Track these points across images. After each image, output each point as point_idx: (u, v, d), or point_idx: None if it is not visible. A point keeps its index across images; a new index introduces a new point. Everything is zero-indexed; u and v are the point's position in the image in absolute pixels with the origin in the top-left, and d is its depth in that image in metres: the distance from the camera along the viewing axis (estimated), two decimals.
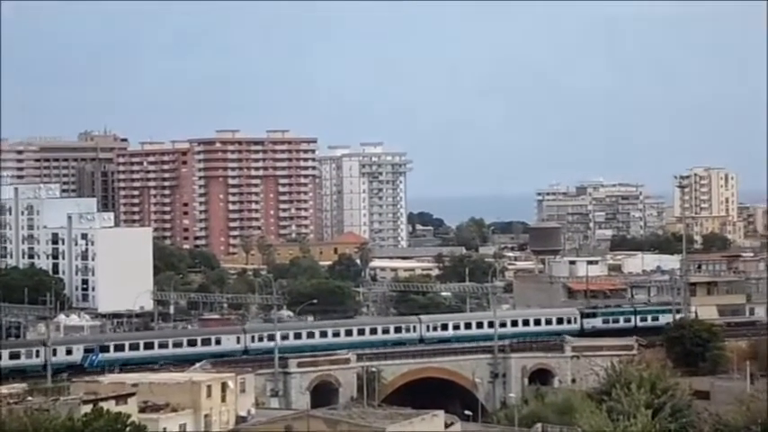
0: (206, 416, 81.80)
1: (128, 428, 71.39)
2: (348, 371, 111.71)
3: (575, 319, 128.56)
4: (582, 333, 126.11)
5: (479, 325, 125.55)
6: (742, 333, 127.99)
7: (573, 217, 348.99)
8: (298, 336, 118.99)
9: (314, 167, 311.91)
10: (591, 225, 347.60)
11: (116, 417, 71.64)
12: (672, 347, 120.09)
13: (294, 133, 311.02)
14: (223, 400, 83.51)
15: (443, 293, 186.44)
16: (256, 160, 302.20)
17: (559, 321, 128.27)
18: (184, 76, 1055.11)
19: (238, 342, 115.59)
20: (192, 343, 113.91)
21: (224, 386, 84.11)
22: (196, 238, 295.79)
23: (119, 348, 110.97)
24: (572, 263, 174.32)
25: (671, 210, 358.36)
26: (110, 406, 74.48)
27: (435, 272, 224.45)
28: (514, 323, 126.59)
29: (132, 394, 78.72)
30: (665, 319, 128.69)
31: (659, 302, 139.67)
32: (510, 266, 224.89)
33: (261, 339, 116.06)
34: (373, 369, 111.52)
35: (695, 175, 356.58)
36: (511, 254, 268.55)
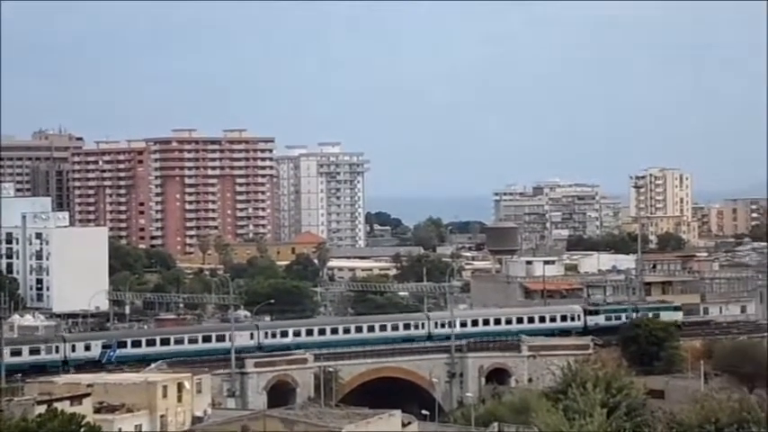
0: (162, 416, 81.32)
1: (82, 429, 70.82)
2: (305, 371, 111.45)
3: (578, 316, 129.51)
4: (585, 330, 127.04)
5: (486, 322, 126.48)
6: (696, 332, 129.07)
7: (530, 217, 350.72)
8: (309, 332, 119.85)
9: (271, 167, 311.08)
10: (547, 225, 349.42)
11: (71, 417, 71.05)
12: (627, 347, 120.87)
13: (251, 133, 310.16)
14: (179, 400, 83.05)
15: (401, 293, 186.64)
16: (213, 160, 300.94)
17: (563, 319, 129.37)
18: (142, 76, 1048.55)
19: (252, 338, 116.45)
20: (206, 339, 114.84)
21: (180, 386, 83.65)
22: (152, 237, 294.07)
23: (136, 344, 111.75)
24: (529, 263, 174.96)
25: (627, 210, 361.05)
26: (64, 407, 73.84)
27: (393, 272, 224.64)
28: (520, 320, 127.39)
29: (87, 395, 78.09)
30: (665, 316, 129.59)
31: (659, 300, 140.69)
32: (467, 266, 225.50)
33: (274, 336, 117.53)
34: (330, 369, 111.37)
35: (650, 175, 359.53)
36: (468, 254, 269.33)
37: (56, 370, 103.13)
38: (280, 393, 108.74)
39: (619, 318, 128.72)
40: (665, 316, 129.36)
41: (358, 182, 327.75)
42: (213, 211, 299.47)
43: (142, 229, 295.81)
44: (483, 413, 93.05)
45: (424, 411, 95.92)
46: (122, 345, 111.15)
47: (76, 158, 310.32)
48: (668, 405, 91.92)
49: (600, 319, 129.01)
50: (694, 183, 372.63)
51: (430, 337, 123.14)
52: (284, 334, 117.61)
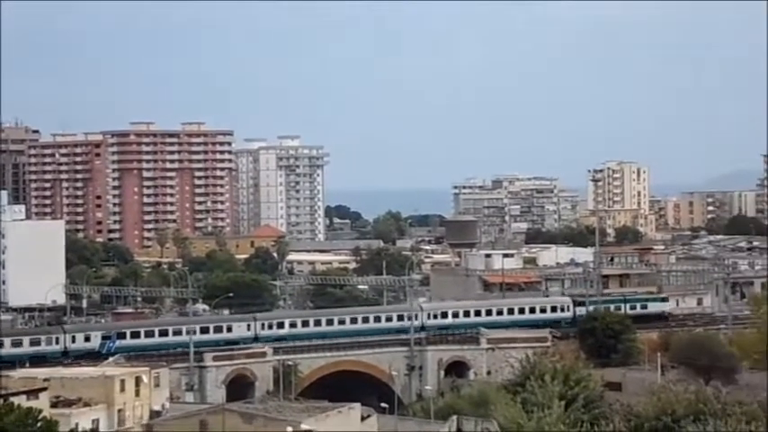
0: (119, 411, 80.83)
1: (39, 424, 70.21)
2: (264, 364, 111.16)
3: (568, 307, 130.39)
4: (574, 321, 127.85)
5: (477, 313, 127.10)
6: (653, 325, 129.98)
7: (489, 210, 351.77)
8: (305, 323, 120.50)
9: (230, 160, 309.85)
10: (506, 218, 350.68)
11: (27, 412, 70.42)
12: (585, 339, 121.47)
13: (210, 126, 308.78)
14: (137, 394, 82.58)
15: (360, 287, 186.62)
16: (171, 153, 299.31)
17: (553, 309, 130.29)
18: (100, 69, 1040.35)
19: (249, 329, 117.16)
20: (204, 330, 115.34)
21: (138, 380, 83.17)
22: (110, 231, 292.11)
23: (135, 335, 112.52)
24: (488, 256, 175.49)
25: (585, 203, 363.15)
26: (21, 401, 73.15)
27: (353, 265, 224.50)
28: (510, 311, 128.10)
29: (44, 389, 77.45)
30: (653, 307, 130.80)
31: (647, 291, 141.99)
32: (427, 259, 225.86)
33: (271, 327, 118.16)
34: (290, 362, 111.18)
35: (608, 169, 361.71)
36: (428, 247, 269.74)
37: (56, 361, 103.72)
38: (238, 387, 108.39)
39: (608, 309, 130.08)
40: (653, 307, 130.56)
41: (317, 175, 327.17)
42: (171, 204, 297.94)
43: (99, 223, 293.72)
44: (442, 406, 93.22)
45: (383, 404, 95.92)
46: (122, 336, 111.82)
47: (33, 151, 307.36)
48: (625, 397, 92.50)
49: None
50: (651, 176, 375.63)
51: (423, 328, 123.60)
52: (281, 325, 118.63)
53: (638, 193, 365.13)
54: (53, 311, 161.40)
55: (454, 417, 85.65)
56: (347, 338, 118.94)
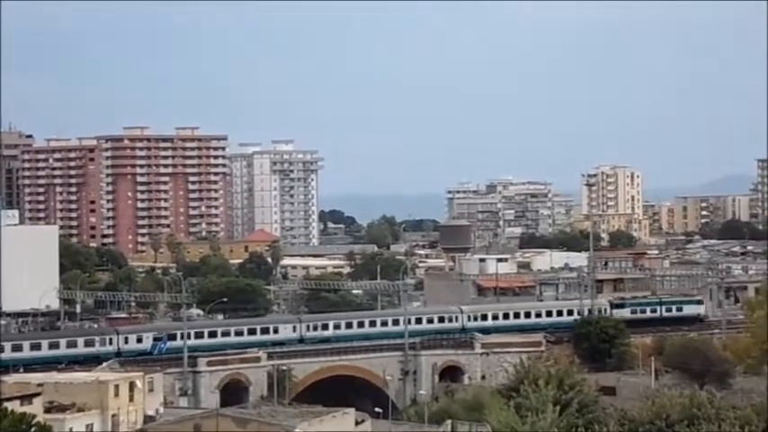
0: (113, 416, 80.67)
1: (33, 429, 70.06)
2: (258, 369, 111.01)
3: (605, 309, 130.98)
4: None
5: (516, 315, 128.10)
6: (647, 329, 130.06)
7: (483, 215, 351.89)
8: (349, 325, 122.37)
9: (224, 165, 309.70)
10: (500, 223, 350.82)
11: (21, 417, 70.28)
12: (579, 344, 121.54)
13: (204, 130, 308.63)
14: (131, 399, 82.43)
15: (354, 291, 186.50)
16: (165, 158, 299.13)
17: (590, 312, 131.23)
18: (94, 73, 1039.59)
19: (294, 330, 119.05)
20: (252, 331, 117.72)
21: (132, 385, 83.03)
22: (103, 236, 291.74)
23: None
24: (482, 260, 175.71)
25: (579, 208, 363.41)
26: (14, 406, 73.00)
27: (347, 270, 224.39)
28: (549, 314, 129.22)
29: (37, 394, 77.27)
30: (688, 309, 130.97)
31: (682, 294, 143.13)
32: (421, 264, 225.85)
33: (316, 328, 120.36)
34: (284, 367, 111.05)
35: (602, 173, 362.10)
36: (422, 251, 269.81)
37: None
38: (232, 392, 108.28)
39: (644, 311, 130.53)
40: (689, 309, 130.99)
41: (311, 180, 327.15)
42: (165, 209, 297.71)
43: (93, 228, 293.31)
44: (436, 411, 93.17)
45: (377, 409, 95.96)
46: (172, 337, 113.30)
47: (26, 156, 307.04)
48: (620, 402, 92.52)
49: (626, 313, 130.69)
50: (645, 181, 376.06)
51: (464, 330, 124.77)
52: (325, 326, 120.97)
53: (632, 198, 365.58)
54: (47, 316, 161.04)
55: (448, 421, 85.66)
56: (389, 340, 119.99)
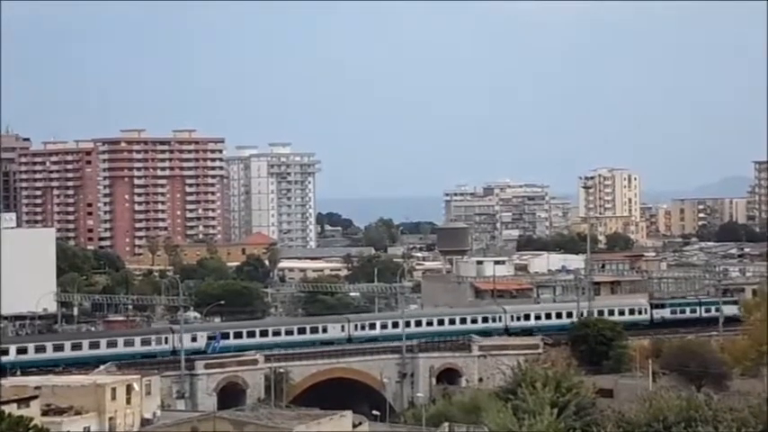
0: (110, 419, 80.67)
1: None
2: (256, 372, 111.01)
3: (645, 309, 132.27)
4: (652, 323, 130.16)
5: (558, 315, 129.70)
6: (644, 331, 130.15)
7: (480, 217, 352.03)
8: (395, 325, 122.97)
9: (221, 168, 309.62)
10: (498, 225, 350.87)
11: (18, 420, 70.16)
12: (576, 346, 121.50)
13: (201, 133, 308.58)
14: (128, 402, 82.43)
15: (352, 294, 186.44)
16: (162, 160, 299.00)
17: (631, 312, 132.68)
18: (91, 75, 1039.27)
19: (343, 330, 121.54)
20: (301, 330, 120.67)
21: (129, 388, 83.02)
22: (101, 239, 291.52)
23: (237, 336, 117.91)
24: (479, 263, 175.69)
25: (576, 210, 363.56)
26: (11, 409, 72.92)
27: (344, 272, 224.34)
28: (590, 313, 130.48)
29: (35, 397, 77.24)
30: (727, 310, 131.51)
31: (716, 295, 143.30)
32: (418, 266, 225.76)
33: (363, 328, 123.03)
34: (281, 370, 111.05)
35: (599, 176, 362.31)
36: (419, 254, 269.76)
37: (165, 359, 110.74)
38: (230, 395, 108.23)
39: (684, 311, 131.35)
40: (726, 309, 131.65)
41: (309, 182, 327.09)
42: (162, 212, 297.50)
43: (90, 231, 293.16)
44: (434, 413, 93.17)
45: (374, 412, 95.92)
46: (225, 336, 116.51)
47: (23, 159, 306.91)
48: (617, 404, 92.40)
49: (665, 313, 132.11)
50: (642, 183, 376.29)
51: (507, 330, 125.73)
52: (373, 326, 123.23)
53: (629, 200, 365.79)
54: (44, 319, 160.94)
55: (446, 424, 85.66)
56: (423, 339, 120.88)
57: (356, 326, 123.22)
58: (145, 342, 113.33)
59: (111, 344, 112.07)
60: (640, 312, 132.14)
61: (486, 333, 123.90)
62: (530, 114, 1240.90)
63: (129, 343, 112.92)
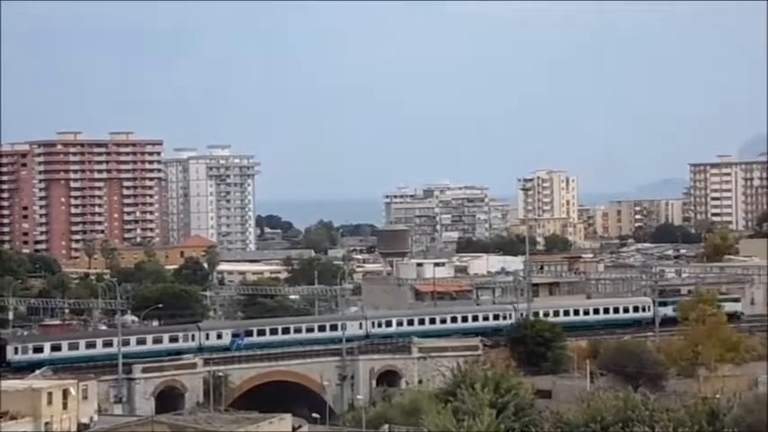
0: (46, 423, 79.63)
1: None
2: (194, 376, 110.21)
3: (648, 307, 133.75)
4: (654, 321, 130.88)
5: (566, 312, 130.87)
6: (582, 333, 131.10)
7: (420, 219, 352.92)
8: (410, 322, 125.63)
9: (159, 170, 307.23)
10: (438, 227, 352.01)
11: None
12: (515, 347, 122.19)
13: (139, 135, 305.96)
14: (64, 407, 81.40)
15: (292, 296, 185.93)
16: (99, 162, 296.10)
17: (635, 309, 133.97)
18: (26, 75, 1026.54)
19: (360, 327, 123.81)
20: (321, 328, 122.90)
21: (65, 393, 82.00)
22: (36, 242, 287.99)
23: (260, 333, 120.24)
24: (419, 265, 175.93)
25: (515, 212, 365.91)
26: None
27: (284, 275, 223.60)
28: (596, 311, 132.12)
29: None
30: (729, 307, 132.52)
31: (724, 292, 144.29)
32: (358, 269, 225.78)
33: (380, 325, 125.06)
34: (220, 373, 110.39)
35: (538, 178, 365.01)
36: (359, 256, 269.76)
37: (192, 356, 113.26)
38: (168, 399, 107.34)
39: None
40: (728, 307, 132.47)
41: (248, 185, 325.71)
42: (100, 214, 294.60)
43: (26, 234, 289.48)
44: (374, 415, 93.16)
45: (314, 414, 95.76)
46: (249, 333, 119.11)
47: None
48: (555, 404, 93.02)
49: (668, 311, 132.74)
50: (580, 185, 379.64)
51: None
52: (389, 323, 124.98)
53: (568, 202, 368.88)
54: None
55: (385, 426, 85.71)
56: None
57: (373, 323, 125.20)
58: (173, 339, 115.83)
59: (141, 341, 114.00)
60: (644, 310, 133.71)
61: (497, 330, 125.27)
62: (470, 116, 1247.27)
63: (157, 341, 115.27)
